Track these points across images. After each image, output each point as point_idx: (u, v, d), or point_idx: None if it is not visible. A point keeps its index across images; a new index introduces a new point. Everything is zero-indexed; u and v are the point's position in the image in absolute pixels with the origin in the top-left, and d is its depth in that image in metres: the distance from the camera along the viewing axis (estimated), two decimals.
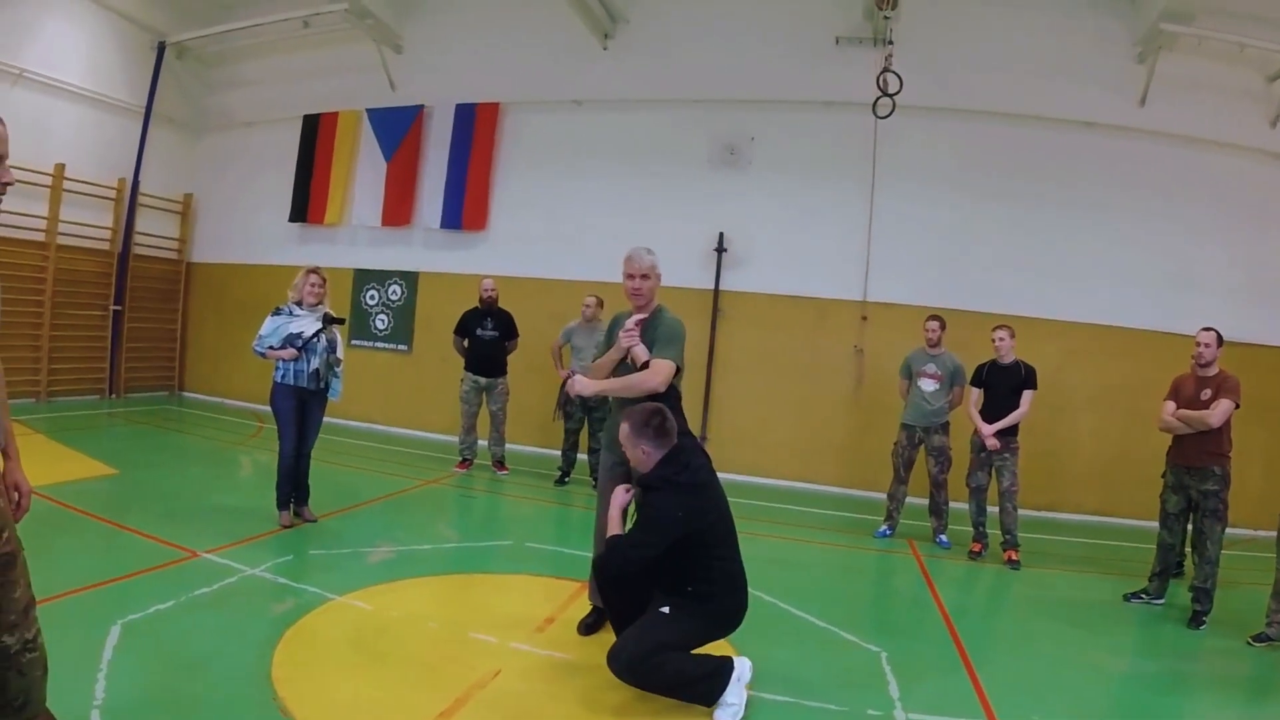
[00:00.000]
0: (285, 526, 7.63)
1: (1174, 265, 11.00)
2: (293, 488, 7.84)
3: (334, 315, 7.92)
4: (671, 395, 5.22)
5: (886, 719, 4.69)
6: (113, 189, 14.32)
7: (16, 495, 3.20)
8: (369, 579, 6.19)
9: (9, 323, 12.28)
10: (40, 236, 13.09)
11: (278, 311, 7.74)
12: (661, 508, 4.61)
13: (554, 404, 10.62)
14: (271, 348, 7.59)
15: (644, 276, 5.52)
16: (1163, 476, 7.49)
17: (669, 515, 4.58)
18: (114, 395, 14.74)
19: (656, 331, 5.43)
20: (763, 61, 12.27)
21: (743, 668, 4.52)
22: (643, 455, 4.74)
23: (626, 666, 4.47)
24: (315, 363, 7.66)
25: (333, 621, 5.47)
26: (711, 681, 4.47)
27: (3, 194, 2.90)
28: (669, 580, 4.74)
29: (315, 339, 7.65)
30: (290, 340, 7.58)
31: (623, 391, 5.32)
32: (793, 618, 6.45)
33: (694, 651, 4.64)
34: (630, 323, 5.39)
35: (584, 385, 5.35)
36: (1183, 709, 5.42)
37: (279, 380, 7.68)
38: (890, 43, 10.59)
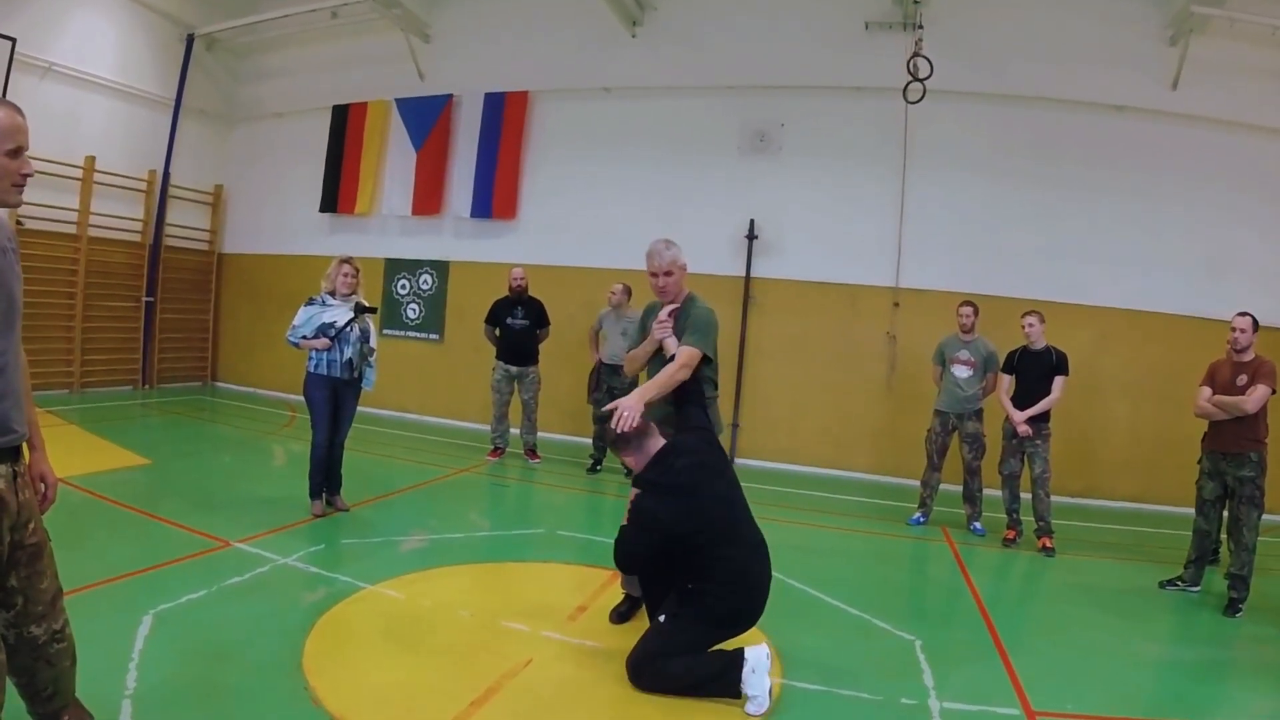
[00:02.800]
0: (317, 516, 7.67)
1: (1208, 249, 10.84)
2: (325, 477, 7.88)
3: (365, 304, 7.91)
4: (694, 390, 5.20)
5: (920, 707, 4.66)
6: (143, 181, 14.42)
7: (43, 486, 3.22)
8: (401, 568, 6.21)
9: (42, 315, 12.41)
10: (72, 229, 13.20)
11: (311, 301, 7.75)
12: (643, 510, 4.67)
13: (585, 392, 10.73)
14: (305, 337, 7.60)
15: (667, 273, 5.44)
16: (1198, 463, 7.40)
17: (650, 517, 4.62)
18: (147, 386, 14.86)
19: (686, 320, 5.41)
20: (792, 47, 12.17)
21: (756, 658, 4.43)
22: (633, 462, 4.81)
23: (634, 676, 4.57)
24: (349, 352, 7.67)
25: (364, 610, 5.49)
26: (723, 679, 4.46)
27: (24, 185, 2.92)
28: (677, 575, 4.77)
29: (348, 329, 7.65)
30: (323, 330, 7.59)
31: (660, 392, 5.22)
32: (826, 605, 6.42)
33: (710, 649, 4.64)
34: (664, 314, 5.38)
35: (632, 411, 5.06)
36: (1219, 697, 5.36)
37: (312, 370, 7.70)
38: (920, 27, 10.51)
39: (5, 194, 2.86)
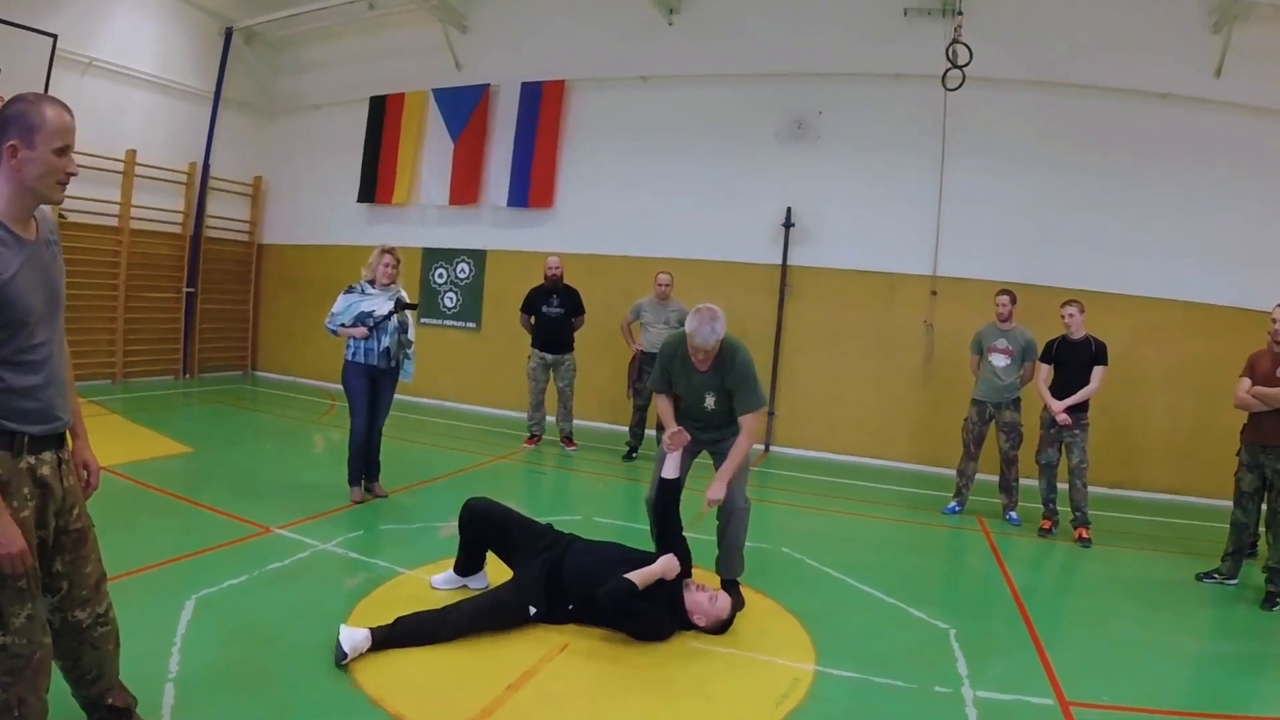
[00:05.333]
0: (357, 502, 7.78)
1: (1251, 240, 10.66)
2: (364, 464, 7.94)
3: (407, 300, 7.95)
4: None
5: (954, 696, 4.67)
6: (184, 173, 14.56)
7: (85, 473, 3.28)
8: (439, 553, 6.25)
9: (85, 306, 12.56)
10: (114, 222, 13.36)
11: (350, 290, 7.78)
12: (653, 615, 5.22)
13: (625, 382, 10.76)
14: (344, 325, 7.65)
15: (708, 351, 5.59)
16: (1237, 455, 7.34)
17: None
18: (188, 376, 15.04)
19: (731, 377, 5.68)
20: (830, 35, 12.10)
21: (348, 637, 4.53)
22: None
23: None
24: (386, 341, 7.70)
25: (403, 595, 5.54)
26: None
27: (67, 183, 2.97)
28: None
29: (387, 319, 7.69)
30: (361, 319, 7.64)
31: (741, 469, 5.79)
32: (861, 594, 6.43)
33: None
34: (671, 438, 5.78)
35: (717, 492, 5.66)
36: (1256, 691, 5.31)
37: (350, 359, 7.74)
38: (959, 14, 10.40)
39: (50, 190, 2.90)
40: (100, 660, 3.33)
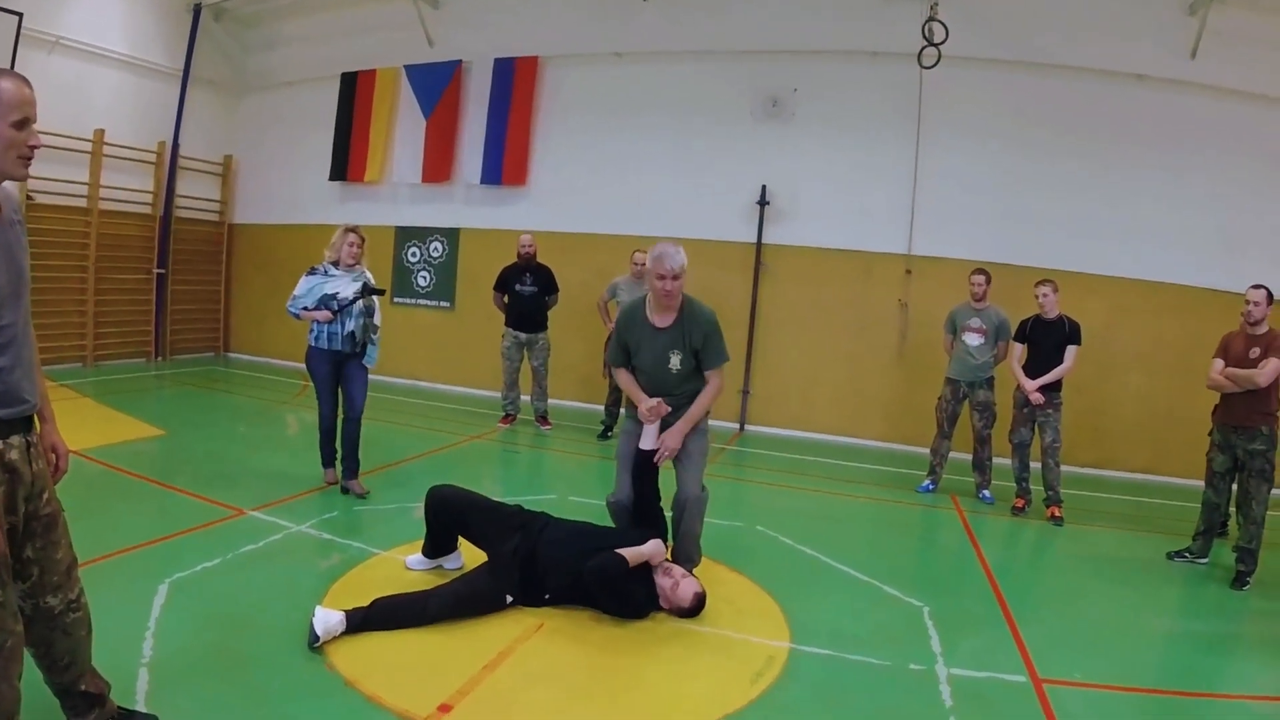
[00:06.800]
0: (330, 484, 7.64)
1: (1225, 221, 10.73)
2: (334, 445, 7.66)
3: (374, 285, 7.65)
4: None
5: (928, 673, 4.71)
6: (153, 153, 14.39)
7: (54, 457, 3.24)
8: (414, 534, 6.18)
9: (55, 289, 12.44)
10: (82, 202, 13.18)
11: (313, 271, 7.46)
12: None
13: (600, 361, 10.72)
14: (306, 308, 7.34)
15: (675, 277, 5.52)
16: (1210, 435, 7.41)
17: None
18: (160, 358, 14.90)
19: (698, 330, 5.67)
20: (806, 11, 12.03)
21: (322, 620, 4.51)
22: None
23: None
24: (350, 325, 7.38)
25: (378, 576, 5.53)
26: None
27: (30, 158, 2.90)
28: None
29: (352, 303, 7.39)
30: (324, 302, 7.32)
31: (703, 416, 5.76)
32: (835, 572, 6.47)
33: None
34: (650, 407, 5.64)
35: (675, 441, 5.62)
36: (1225, 669, 5.40)
37: (313, 343, 7.46)
38: None
39: (11, 166, 2.84)
40: (73, 647, 3.29)
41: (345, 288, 7.42)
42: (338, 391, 7.61)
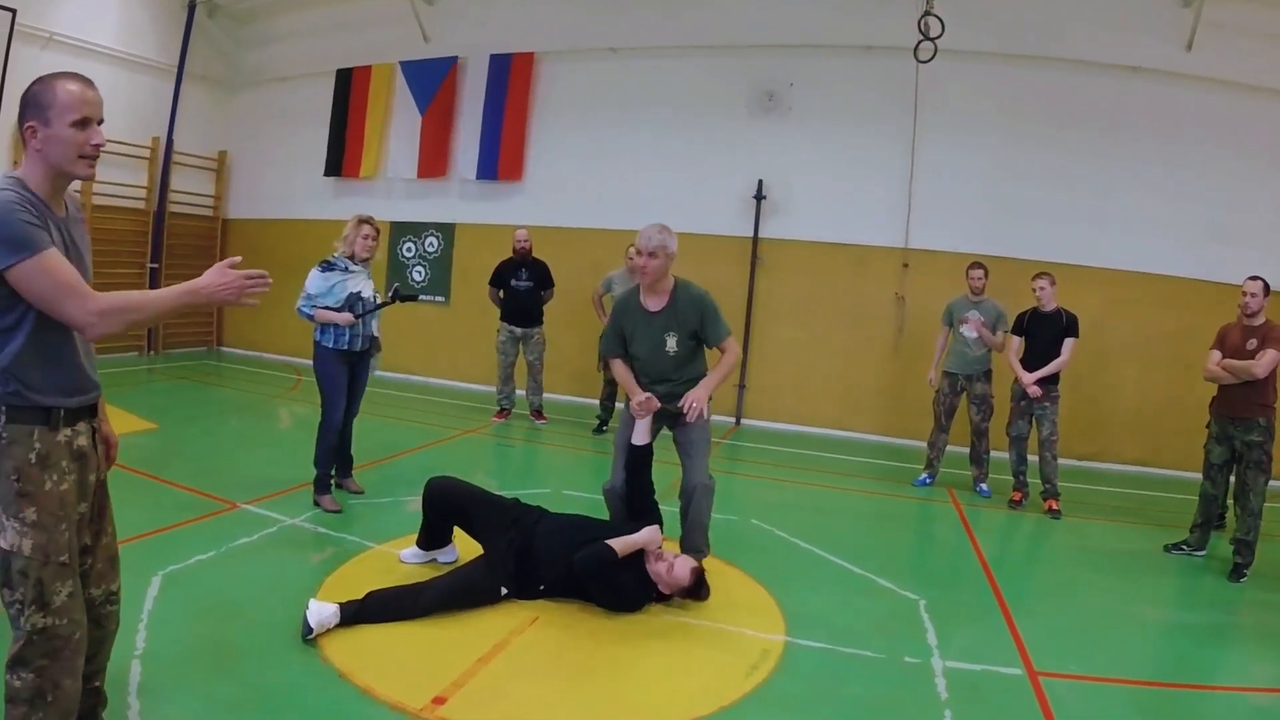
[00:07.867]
0: (332, 511, 6.77)
1: (1222, 213, 10.72)
2: (334, 464, 7.13)
3: (404, 291, 7.36)
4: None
5: (924, 666, 4.69)
6: (147, 148, 14.36)
7: (105, 447, 3.24)
8: (408, 528, 6.17)
9: None
10: (76, 198, 13.04)
11: (329, 266, 6.82)
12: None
13: (595, 355, 10.70)
14: (327, 308, 6.74)
15: (651, 255, 5.55)
16: (1207, 427, 7.39)
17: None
18: (153, 352, 14.89)
19: (693, 310, 5.75)
20: (801, 5, 12.00)
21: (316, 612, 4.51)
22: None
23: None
24: (373, 326, 7.03)
25: (372, 570, 5.52)
26: None
27: (93, 158, 2.90)
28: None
29: (380, 308, 7.08)
30: (350, 303, 6.79)
31: (727, 376, 5.94)
32: (831, 565, 6.46)
33: None
34: (641, 401, 5.67)
35: (701, 403, 5.58)
36: (1222, 661, 5.39)
37: (329, 345, 6.84)
38: None
39: (73, 165, 2.85)
40: (101, 639, 3.26)
41: (367, 287, 6.98)
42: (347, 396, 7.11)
